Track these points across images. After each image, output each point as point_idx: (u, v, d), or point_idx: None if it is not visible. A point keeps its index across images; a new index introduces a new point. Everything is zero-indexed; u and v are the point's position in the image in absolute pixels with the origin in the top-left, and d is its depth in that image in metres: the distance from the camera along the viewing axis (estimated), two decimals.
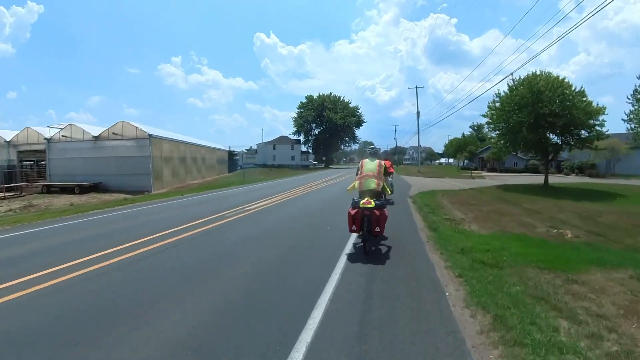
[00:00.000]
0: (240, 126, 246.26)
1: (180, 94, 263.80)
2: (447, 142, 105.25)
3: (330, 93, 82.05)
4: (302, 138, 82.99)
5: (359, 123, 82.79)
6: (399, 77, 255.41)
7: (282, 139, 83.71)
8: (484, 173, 53.46)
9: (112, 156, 28.17)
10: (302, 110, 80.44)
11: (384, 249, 6.62)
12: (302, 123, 77.98)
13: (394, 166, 10.56)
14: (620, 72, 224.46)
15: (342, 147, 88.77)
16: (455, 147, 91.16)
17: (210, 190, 23.01)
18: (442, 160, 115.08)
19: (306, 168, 75.89)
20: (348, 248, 6.67)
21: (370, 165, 6.97)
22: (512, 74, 23.66)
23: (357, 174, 7.10)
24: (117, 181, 27.60)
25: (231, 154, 71.66)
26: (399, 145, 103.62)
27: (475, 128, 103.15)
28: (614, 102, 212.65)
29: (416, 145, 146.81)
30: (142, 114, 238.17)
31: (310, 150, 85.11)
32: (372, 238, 6.46)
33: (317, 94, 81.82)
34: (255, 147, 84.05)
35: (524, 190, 20.20)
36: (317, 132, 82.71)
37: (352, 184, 7.01)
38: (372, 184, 6.67)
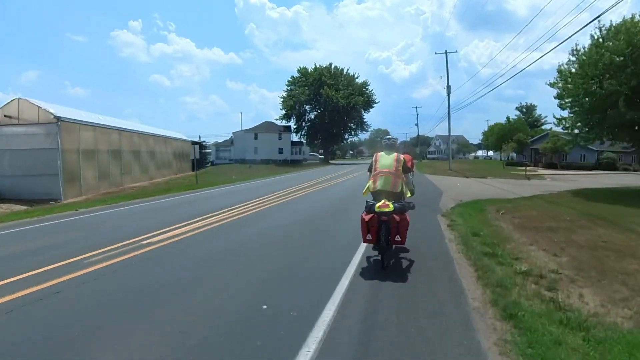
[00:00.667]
0: (220, 111, 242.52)
1: (140, 69, 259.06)
2: (485, 130, 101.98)
3: (330, 64, 78.40)
4: (293, 124, 79.42)
5: (369, 104, 79.03)
6: (422, 47, 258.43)
7: (267, 126, 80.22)
8: (541, 170, 50.08)
9: (6, 149, 24.71)
10: (292, 87, 76.73)
11: (404, 263, 6.80)
12: (292, 104, 74.24)
13: (415, 161, 8.55)
14: None
15: (347, 136, 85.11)
16: (498, 136, 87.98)
17: (145, 199, 19.53)
18: (480, 153, 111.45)
19: (298, 164, 72.52)
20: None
21: (386, 159, 7.04)
22: (598, 19, 19.83)
23: (370, 171, 7.22)
24: (13, 185, 24.23)
25: (200, 146, 68.56)
26: (421, 133, 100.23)
27: (524, 110, 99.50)
28: None
29: (443, 133, 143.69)
30: (92, 95, 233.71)
31: (304, 141, 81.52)
32: (390, 249, 6.57)
33: (313, 66, 78.41)
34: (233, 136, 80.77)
35: (621, 199, 16.55)
36: (312, 117, 79.10)
37: (367, 186, 7.04)
38: (388, 183, 6.77)
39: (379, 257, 6.49)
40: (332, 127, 76.14)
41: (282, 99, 76.71)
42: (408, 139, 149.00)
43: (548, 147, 55.31)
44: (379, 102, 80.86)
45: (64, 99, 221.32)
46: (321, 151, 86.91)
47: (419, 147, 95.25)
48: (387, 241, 6.28)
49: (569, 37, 67.61)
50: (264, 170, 51.02)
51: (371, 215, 6.27)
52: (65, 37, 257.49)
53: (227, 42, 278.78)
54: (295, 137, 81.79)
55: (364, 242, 6.54)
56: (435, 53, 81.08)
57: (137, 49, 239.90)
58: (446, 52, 46.13)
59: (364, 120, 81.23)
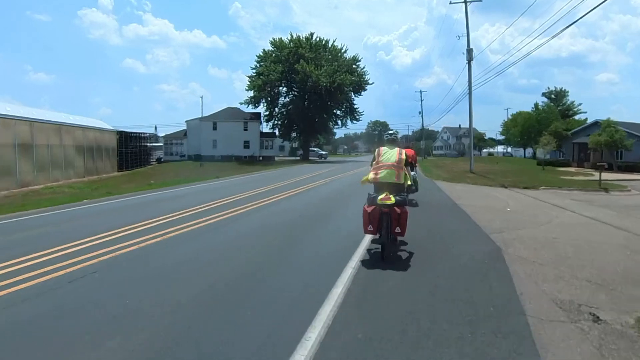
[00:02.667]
0: (198, 99, 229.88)
1: (112, 53, 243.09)
2: (506, 120, 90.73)
3: (311, 34, 66.39)
4: (263, 111, 67.60)
5: (360, 85, 67.22)
6: (426, 32, 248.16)
7: (230, 114, 68.34)
8: (604, 175, 38.49)
9: None
10: (262, 64, 64.70)
11: (404, 256, 7.58)
12: (261, 85, 62.28)
13: (418, 158, 10.99)
14: None
15: (332, 126, 73.27)
16: (523, 128, 76.90)
17: None
18: (500, 148, 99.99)
19: (269, 161, 60.84)
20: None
21: (388, 153, 7.75)
22: None
23: (372, 164, 7.95)
24: None
25: (137, 138, 56.73)
26: (426, 126, 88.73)
27: (553, 96, 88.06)
28: None
29: (451, 125, 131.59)
30: (56, 81, 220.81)
31: (277, 132, 69.56)
32: (391, 242, 7.40)
33: (289, 35, 66.25)
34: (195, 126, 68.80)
35: None
36: (287, 101, 67.29)
37: (366, 176, 7.87)
38: (392, 176, 7.47)
39: (379, 249, 7.37)
40: (312, 114, 64.19)
41: (249, 79, 64.80)
42: (410, 133, 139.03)
43: (602, 141, 43.72)
44: (373, 83, 69.34)
45: (24, 85, 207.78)
46: (293, 145, 75.36)
47: (423, 141, 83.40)
48: (388, 233, 7.08)
49: (580, 18, 54.10)
50: (216, 170, 40.23)
51: (373, 207, 7.09)
52: (25, 15, 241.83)
53: (210, 24, 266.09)
54: (266, 127, 70.27)
55: (365, 233, 7.46)
56: (450, 2, 65.51)
57: (108, 30, 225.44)
58: (467, 13, 34.27)
59: (355, 107, 69.44)
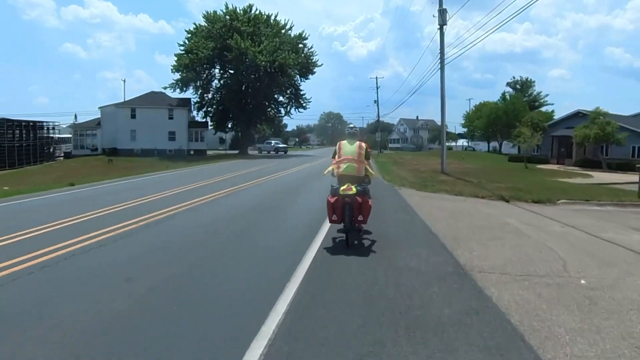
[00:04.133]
0: (148, 89, 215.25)
1: (49, 36, 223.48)
2: (469, 112, 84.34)
3: (250, 6, 56.92)
4: (193, 96, 57.94)
5: (308, 68, 58.61)
6: (382, 24, 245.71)
7: (153, 99, 58.45)
8: (605, 176, 31.96)
9: None
10: (191, 39, 54.85)
11: (367, 243, 8.07)
12: (189, 64, 52.59)
13: (372, 152, 11.80)
14: None
15: (275, 114, 64.09)
16: (488, 120, 70.55)
17: None
18: (463, 142, 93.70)
19: (199, 156, 51.55)
20: None
21: (349, 147, 8.21)
22: None
23: (333, 157, 8.38)
24: None
25: (28, 128, 46.57)
26: (381, 117, 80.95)
27: (519, 86, 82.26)
28: None
29: (409, 117, 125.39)
30: None
31: (209, 120, 59.97)
32: (354, 229, 7.93)
33: (224, 6, 56.63)
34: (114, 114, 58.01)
35: None
36: (220, 85, 57.84)
37: (331, 169, 8.37)
38: (352, 168, 7.99)
39: (344, 237, 7.96)
40: (250, 100, 54.87)
41: (176, 58, 54.95)
42: (365, 125, 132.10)
43: (591, 135, 36.94)
44: (321, 65, 60.75)
45: None
46: (222, 136, 66.05)
47: (379, 133, 75.61)
48: (351, 221, 7.59)
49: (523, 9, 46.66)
50: (125, 168, 33.68)
51: (336, 197, 7.63)
52: None
53: (157, 8, 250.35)
54: (197, 116, 60.57)
55: (330, 222, 8.03)
56: None
57: (45, 11, 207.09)
58: None
59: (301, 92, 60.74)
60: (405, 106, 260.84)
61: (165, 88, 56.32)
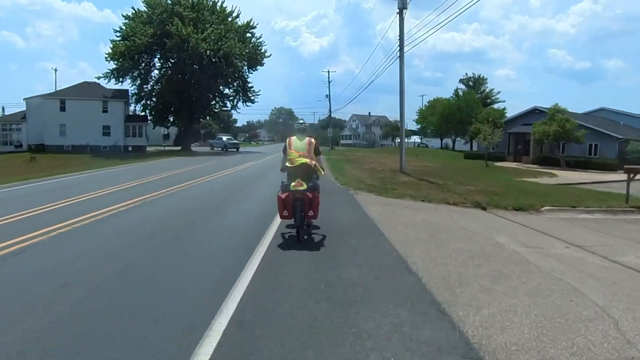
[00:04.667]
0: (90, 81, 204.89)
1: None
2: (422, 108, 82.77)
3: None
4: (131, 87, 53.47)
5: (256, 58, 55.19)
6: (335, 20, 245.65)
7: (85, 90, 53.51)
8: (557, 171, 30.66)
9: None
10: (129, 25, 50.31)
11: (317, 238, 8.18)
12: (126, 53, 48.16)
13: (322, 151, 9.13)
14: (636, 29, 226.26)
15: (220, 108, 60.13)
16: (442, 116, 69.34)
17: None
18: (416, 138, 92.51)
19: (137, 152, 47.43)
20: None
21: (299, 143, 8.28)
22: None
23: (284, 153, 8.42)
24: None
25: None
26: (333, 113, 78.44)
27: (471, 83, 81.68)
28: (623, 67, 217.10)
29: (361, 113, 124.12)
30: None
31: (148, 114, 55.57)
32: (303, 226, 8.05)
33: None
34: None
35: None
36: (160, 76, 53.58)
37: (282, 164, 8.45)
38: (303, 164, 8.02)
39: (294, 232, 8.03)
40: (193, 92, 50.84)
41: (111, 45, 50.31)
42: (316, 121, 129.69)
43: (551, 132, 35.66)
44: (270, 55, 56.86)
45: None
46: (166, 132, 61.72)
47: (331, 129, 72.98)
48: (302, 217, 7.69)
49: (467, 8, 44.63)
50: (49, 167, 30.25)
51: (287, 193, 7.68)
52: None
53: None
54: (136, 109, 56.27)
55: (281, 218, 8.08)
56: None
57: None
58: None
59: (249, 84, 57.30)
60: (357, 103, 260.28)
61: (99, 78, 51.28)
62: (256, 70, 57.55)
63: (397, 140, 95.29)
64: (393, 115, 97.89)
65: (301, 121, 9.26)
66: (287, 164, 8.18)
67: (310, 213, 7.78)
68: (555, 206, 13.11)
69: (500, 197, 14.13)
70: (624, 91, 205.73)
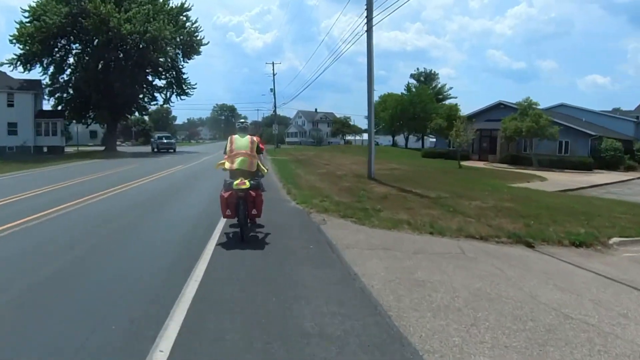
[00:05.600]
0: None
1: None
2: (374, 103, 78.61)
3: None
4: (43, 77, 45.95)
5: (191, 47, 48.98)
6: (279, 15, 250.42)
7: None
8: (541, 173, 27.14)
9: None
10: (39, 3, 42.61)
11: (260, 236, 8.11)
12: (34, 35, 40.69)
13: (265, 149, 11.93)
14: (568, 31, 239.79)
15: (149, 102, 53.25)
16: (394, 112, 65.65)
17: None
18: (365, 136, 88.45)
19: (54, 154, 40.38)
20: None
21: (241, 141, 8.17)
22: None
23: (225, 152, 8.31)
24: None
25: None
26: (278, 109, 73.10)
27: (422, 79, 78.57)
28: (556, 68, 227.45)
29: (307, 109, 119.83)
30: None
31: (64, 109, 47.82)
32: (247, 225, 8.04)
33: None
34: None
35: None
36: (76, 63, 46.36)
37: (221, 162, 8.35)
38: (245, 163, 7.94)
39: (238, 231, 7.88)
40: (114, 82, 43.86)
41: (18, 25, 42.67)
42: (260, 118, 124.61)
43: (524, 128, 32.19)
44: (207, 43, 50.82)
45: None
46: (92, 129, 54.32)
47: (276, 125, 67.30)
48: (245, 215, 7.67)
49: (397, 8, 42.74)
50: None
51: (230, 192, 7.57)
52: None
53: None
54: (48, 104, 48.72)
55: (224, 217, 7.96)
56: None
57: None
58: None
59: (183, 75, 51.11)
60: (302, 100, 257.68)
61: (1, 65, 43.77)
62: (192, 59, 51.38)
63: (347, 138, 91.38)
64: (340, 112, 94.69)
65: (242, 120, 9.31)
66: (227, 164, 8.03)
67: (254, 212, 7.83)
68: (625, 237, 8.77)
69: (534, 220, 9.67)
70: (557, 90, 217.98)
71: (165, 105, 57.94)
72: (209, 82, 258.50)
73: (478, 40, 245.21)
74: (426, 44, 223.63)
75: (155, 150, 48.63)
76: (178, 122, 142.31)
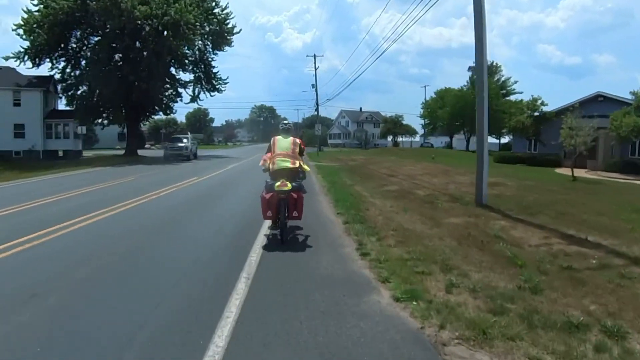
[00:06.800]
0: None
1: None
2: (428, 100, 71.27)
3: None
4: (52, 72, 40.76)
5: (222, 36, 42.98)
6: (318, 15, 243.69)
7: None
8: None
9: None
10: None
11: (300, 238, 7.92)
12: (41, 23, 35.55)
13: (305, 153, 9.44)
14: (627, 22, 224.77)
15: (173, 99, 46.68)
16: (453, 110, 58.45)
17: None
18: (419, 139, 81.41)
19: (67, 159, 35.18)
20: None
21: (283, 143, 8.16)
22: None
23: (267, 152, 8.32)
24: None
25: None
26: (319, 107, 66.37)
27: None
28: (614, 62, 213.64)
29: (351, 108, 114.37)
30: None
31: (75, 108, 42.31)
32: (287, 227, 7.87)
33: None
34: None
35: None
36: (85, 54, 40.65)
37: (265, 163, 8.24)
38: (287, 164, 7.87)
39: (277, 233, 7.82)
40: (130, 77, 37.84)
41: (25, 15, 37.79)
42: (300, 120, 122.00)
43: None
44: (240, 31, 44.69)
45: None
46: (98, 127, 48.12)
47: (319, 125, 59.78)
48: (286, 217, 7.51)
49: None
50: None
51: (271, 194, 7.49)
52: None
53: None
54: (61, 103, 43.70)
55: (265, 219, 7.95)
56: None
57: None
58: None
59: (213, 69, 45.29)
60: (343, 101, 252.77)
61: (6, 58, 38.36)
62: (223, 50, 45.42)
63: (399, 139, 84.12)
64: (385, 112, 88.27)
65: (286, 121, 9.21)
66: (269, 165, 8.01)
67: (295, 214, 7.71)
68: None
69: None
70: (615, 86, 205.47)
71: (198, 105, 51.60)
72: (248, 84, 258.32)
73: (528, 35, 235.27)
74: (472, 40, 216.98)
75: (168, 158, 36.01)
76: (216, 124, 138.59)
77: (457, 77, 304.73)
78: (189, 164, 30.81)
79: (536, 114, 35.87)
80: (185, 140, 38.66)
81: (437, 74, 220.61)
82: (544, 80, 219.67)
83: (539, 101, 36.19)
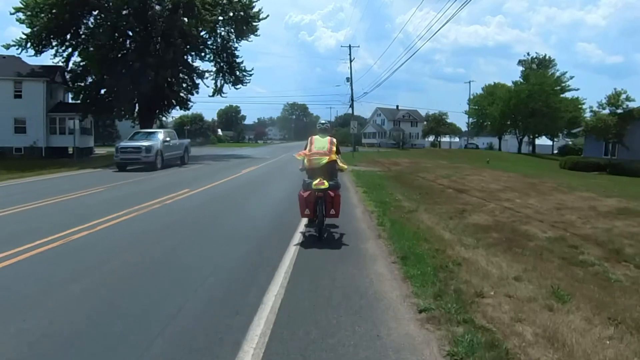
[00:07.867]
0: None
1: None
2: (475, 96, 65.21)
3: None
4: (58, 61, 36.35)
5: (247, 22, 38.14)
6: (352, 13, 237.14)
7: None
8: None
9: None
10: None
11: (336, 235, 8.05)
12: (42, 5, 31.24)
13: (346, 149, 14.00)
14: None
15: (190, 91, 41.22)
16: (505, 107, 52.48)
17: None
18: (456, 138, 75.37)
19: (74, 158, 31.02)
20: None
21: (321, 142, 8.22)
22: None
23: (305, 149, 8.38)
24: None
25: None
26: (352, 105, 60.97)
27: (535, 66, 63.77)
28: None
29: (387, 105, 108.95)
30: None
31: (80, 102, 37.65)
32: (324, 224, 7.97)
33: None
34: None
35: None
36: (87, 38, 35.02)
37: (303, 161, 8.25)
38: (324, 162, 7.94)
39: (314, 231, 8.01)
40: (135, 63, 32.85)
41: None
42: (333, 118, 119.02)
43: None
44: (267, 17, 39.81)
45: None
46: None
47: (355, 123, 54.35)
48: (324, 215, 7.65)
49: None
50: None
51: (309, 192, 7.61)
52: None
53: None
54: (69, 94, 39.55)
55: (302, 216, 8.16)
56: None
57: None
58: None
59: (237, 59, 40.61)
60: (377, 99, 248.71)
61: (7, 47, 33.88)
62: (248, 39, 40.63)
63: (441, 139, 78.40)
64: (425, 109, 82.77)
65: (323, 121, 9.26)
66: (306, 163, 8.11)
67: (332, 212, 7.75)
68: None
69: None
70: None
71: (222, 97, 46.04)
72: (281, 82, 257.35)
73: (567, 33, 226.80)
74: (509, 38, 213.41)
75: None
76: (248, 121, 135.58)
77: (493, 76, 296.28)
78: (196, 167, 25.57)
79: (619, 111, 29.84)
80: (151, 138, 24.69)
81: (472, 73, 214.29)
82: (582, 79, 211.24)
83: (623, 95, 30.05)
